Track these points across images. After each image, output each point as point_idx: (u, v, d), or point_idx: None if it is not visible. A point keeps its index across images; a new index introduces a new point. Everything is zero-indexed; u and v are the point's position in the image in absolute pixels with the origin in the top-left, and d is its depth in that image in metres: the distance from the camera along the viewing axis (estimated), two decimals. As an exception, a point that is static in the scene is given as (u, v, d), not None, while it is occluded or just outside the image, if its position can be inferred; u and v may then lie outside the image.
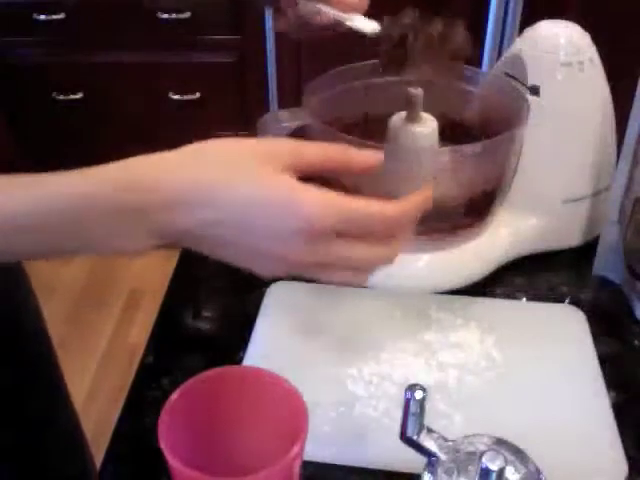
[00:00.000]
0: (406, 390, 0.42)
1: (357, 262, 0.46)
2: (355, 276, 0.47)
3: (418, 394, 0.42)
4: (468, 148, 0.65)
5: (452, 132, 0.73)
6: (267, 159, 0.45)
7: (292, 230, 0.44)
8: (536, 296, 0.70)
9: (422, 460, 0.44)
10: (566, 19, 0.71)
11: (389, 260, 0.47)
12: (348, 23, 0.63)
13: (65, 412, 0.82)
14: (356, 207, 0.45)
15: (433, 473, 0.42)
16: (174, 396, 0.42)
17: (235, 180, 0.44)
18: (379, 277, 0.50)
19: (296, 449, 0.39)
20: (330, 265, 0.46)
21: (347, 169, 0.48)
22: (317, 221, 0.43)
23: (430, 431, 0.44)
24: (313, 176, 0.47)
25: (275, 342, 0.62)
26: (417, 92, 0.68)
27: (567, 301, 0.69)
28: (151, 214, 0.44)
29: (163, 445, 0.39)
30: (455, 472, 0.42)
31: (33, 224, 0.43)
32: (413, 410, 0.42)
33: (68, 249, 0.47)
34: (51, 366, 0.80)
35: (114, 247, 0.45)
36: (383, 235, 0.47)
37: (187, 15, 1.86)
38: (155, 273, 2.04)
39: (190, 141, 0.55)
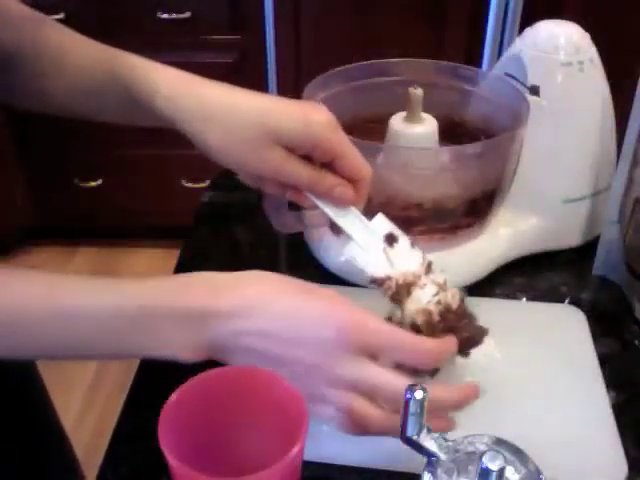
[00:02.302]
0: (406, 390, 0.42)
1: (394, 393, 0.46)
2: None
3: (418, 394, 0.42)
4: (468, 148, 0.65)
5: (452, 132, 0.73)
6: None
7: (325, 339, 0.46)
8: (536, 296, 0.70)
9: (422, 460, 0.44)
10: (566, 19, 0.71)
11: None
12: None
13: (56, 433, 0.81)
14: (388, 329, 0.48)
15: (433, 473, 0.42)
16: (174, 397, 0.42)
17: (278, 296, 0.48)
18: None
19: (296, 449, 0.39)
20: (354, 386, 0.46)
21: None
22: (350, 332, 0.46)
23: (430, 431, 0.44)
24: None
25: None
26: (417, 92, 0.68)
27: (567, 301, 0.69)
28: (208, 318, 0.47)
29: (163, 445, 0.39)
30: (455, 472, 0.42)
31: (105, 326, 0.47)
32: (413, 410, 0.42)
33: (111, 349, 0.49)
34: (40, 397, 0.79)
35: (160, 346, 0.47)
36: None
37: (187, 15, 1.86)
38: (155, 273, 2.05)
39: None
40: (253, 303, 0.47)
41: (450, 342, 0.50)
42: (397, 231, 0.55)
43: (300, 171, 0.53)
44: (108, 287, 0.48)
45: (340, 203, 0.55)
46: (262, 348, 0.47)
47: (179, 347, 0.47)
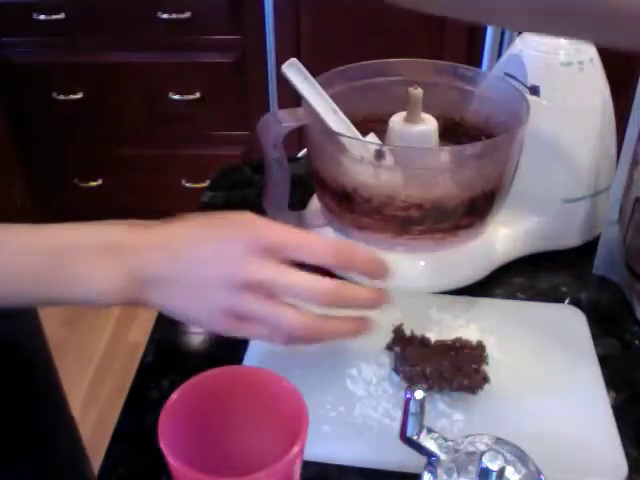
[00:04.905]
0: (406, 390, 0.42)
1: (302, 289, 0.48)
2: (276, 331, 0.49)
3: (418, 394, 0.42)
4: (468, 148, 0.65)
5: (452, 132, 0.73)
6: None
7: (244, 243, 0.48)
8: (536, 296, 0.70)
9: (422, 460, 0.44)
10: (566, 19, 0.71)
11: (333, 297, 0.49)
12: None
13: (66, 424, 0.81)
14: (290, 228, 0.49)
15: (433, 473, 0.42)
16: (174, 396, 0.42)
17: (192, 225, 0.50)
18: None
19: (296, 449, 0.40)
20: (276, 286, 0.47)
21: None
22: (267, 233, 0.48)
23: (430, 431, 0.44)
24: None
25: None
26: (417, 92, 0.68)
27: (567, 301, 0.69)
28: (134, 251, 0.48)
29: (163, 445, 0.39)
30: (455, 472, 0.42)
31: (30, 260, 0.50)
32: (413, 410, 0.43)
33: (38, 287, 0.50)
34: (51, 383, 0.79)
35: (85, 281, 0.48)
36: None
37: (187, 15, 1.86)
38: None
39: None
40: (175, 233, 0.50)
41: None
42: None
43: None
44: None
45: None
46: (178, 274, 0.48)
47: (100, 282, 0.48)
